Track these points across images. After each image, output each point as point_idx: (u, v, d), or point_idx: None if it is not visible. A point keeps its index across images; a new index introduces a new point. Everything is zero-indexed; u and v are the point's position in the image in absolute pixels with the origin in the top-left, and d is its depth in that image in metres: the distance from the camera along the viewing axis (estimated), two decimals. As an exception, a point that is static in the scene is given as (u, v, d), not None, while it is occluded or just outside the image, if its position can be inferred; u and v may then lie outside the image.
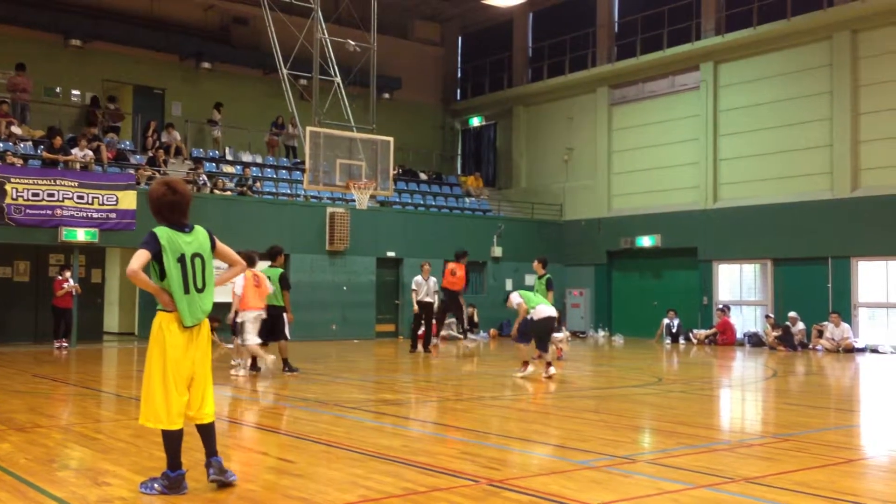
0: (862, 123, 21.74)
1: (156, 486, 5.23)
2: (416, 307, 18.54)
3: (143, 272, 5.21)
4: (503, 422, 9.15)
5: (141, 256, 5.15)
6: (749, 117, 23.95)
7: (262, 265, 14.14)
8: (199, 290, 5.33)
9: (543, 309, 12.95)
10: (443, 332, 23.94)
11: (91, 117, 23.55)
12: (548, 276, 15.74)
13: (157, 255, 5.21)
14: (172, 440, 5.26)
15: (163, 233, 5.26)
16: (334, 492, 5.41)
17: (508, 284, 26.30)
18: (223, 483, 5.37)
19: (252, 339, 12.87)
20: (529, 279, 24.58)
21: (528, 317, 12.95)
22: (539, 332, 12.97)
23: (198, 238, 5.40)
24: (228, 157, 25.48)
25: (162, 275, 5.25)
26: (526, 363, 13.22)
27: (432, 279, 18.56)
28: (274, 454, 6.94)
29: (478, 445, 7.22)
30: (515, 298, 13.14)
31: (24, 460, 6.33)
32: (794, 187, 22.78)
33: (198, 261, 5.35)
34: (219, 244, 5.55)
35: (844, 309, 21.23)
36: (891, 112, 21.17)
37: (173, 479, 5.22)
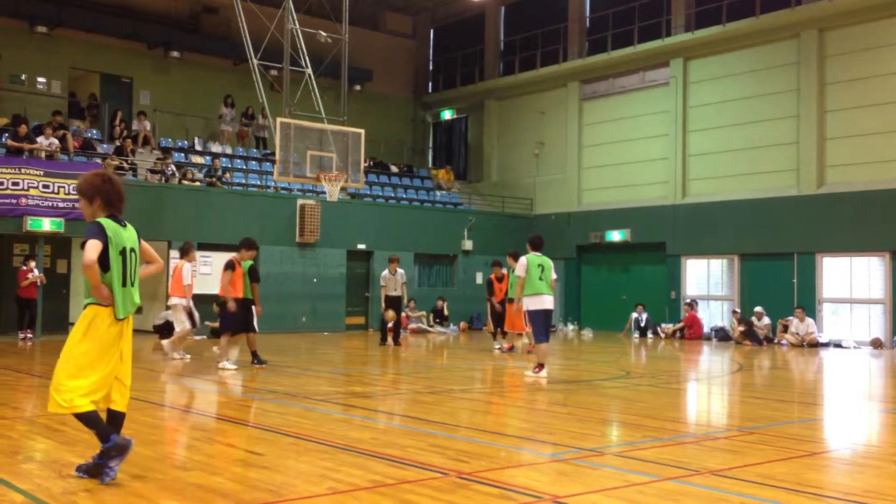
0: (828, 121, 22.04)
1: (111, 465, 5.16)
2: (384, 304, 18.37)
3: None
4: (472, 415, 9.18)
5: (97, 247, 5.10)
6: (717, 114, 24.18)
7: (195, 256, 14.39)
8: (133, 284, 5.36)
9: (543, 299, 12.15)
10: (412, 326, 24.02)
11: (90, 112, 23.79)
12: None
13: (104, 247, 5.17)
14: (95, 417, 5.21)
15: (108, 224, 5.23)
16: (303, 484, 5.40)
17: (479, 278, 26.36)
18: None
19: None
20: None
21: (526, 308, 12.30)
22: (545, 322, 12.31)
23: (131, 233, 5.43)
24: (197, 148, 25.26)
25: (105, 267, 5.19)
26: (542, 365, 12.30)
27: (400, 272, 18.53)
28: (242, 446, 6.91)
29: (447, 438, 7.23)
30: (520, 270, 12.19)
31: (-12, 453, 6.24)
32: (761, 184, 23.05)
33: (133, 255, 5.38)
34: (142, 242, 5.57)
35: (809, 304, 21.53)
36: (856, 110, 21.48)
37: (116, 445, 5.15)
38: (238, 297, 12.85)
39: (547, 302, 12.26)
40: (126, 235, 5.35)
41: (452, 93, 31.70)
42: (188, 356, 14.23)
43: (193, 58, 26.67)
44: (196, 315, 14.66)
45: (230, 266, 12.90)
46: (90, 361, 5.19)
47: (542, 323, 12.27)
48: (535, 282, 12.12)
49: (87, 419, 5.22)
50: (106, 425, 5.26)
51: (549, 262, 12.42)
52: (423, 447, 6.71)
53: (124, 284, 5.28)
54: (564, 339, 23.02)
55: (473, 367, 14.58)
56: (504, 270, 17.88)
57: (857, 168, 21.34)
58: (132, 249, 5.38)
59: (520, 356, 16.10)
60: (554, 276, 12.63)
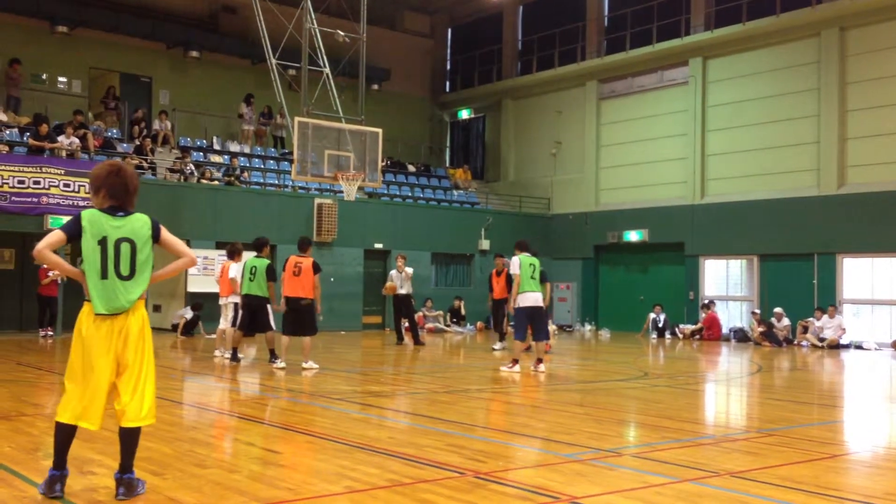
0: (849, 120, 21.85)
1: (42, 486, 4.91)
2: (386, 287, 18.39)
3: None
4: (489, 414, 9.17)
5: (52, 236, 4.83)
6: (737, 113, 24.03)
7: (243, 256, 14.35)
8: (124, 278, 4.91)
9: (529, 296, 12.73)
10: (429, 325, 23.99)
11: (104, 102, 23.92)
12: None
13: (78, 237, 4.89)
14: (63, 435, 4.91)
15: (87, 214, 4.94)
16: (320, 483, 5.41)
17: (496, 277, 26.29)
18: (130, 497, 4.93)
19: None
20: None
21: (515, 305, 12.82)
22: (528, 320, 12.75)
23: (131, 223, 5.00)
24: (216, 147, 25.38)
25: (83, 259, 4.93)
26: (516, 360, 13.03)
27: (408, 269, 18.52)
28: (260, 445, 6.93)
29: (464, 438, 7.22)
30: (514, 268, 12.74)
31: (9, 449, 6.29)
32: (780, 183, 22.89)
33: (125, 246, 4.94)
34: (165, 235, 5.14)
35: (829, 305, 21.34)
36: (877, 109, 21.29)
37: (48, 478, 4.88)
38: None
39: (532, 299, 12.74)
40: (115, 225, 4.93)
41: (470, 92, 31.68)
42: (227, 355, 14.09)
43: (212, 57, 26.79)
44: (240, 313, 14.58)
45: (319, 269, 12.98)
46: (78, 365, 4.88)
47: (525, 321, 12.78)
48: (525, 280, 12.72)
49: (60, 432, 4.90)
50: (64, 456, 4.90)
51: (538, 262, 13.12)
52: (440, 447, 6.71)
53: (105, 276, 4.86)
54: (582, 340, 22.95)
55: (490, 366, 14.55)
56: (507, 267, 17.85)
57: (879, 168, 21.14)
58: (125, 240, 4.94)
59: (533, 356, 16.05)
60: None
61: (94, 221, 4.92)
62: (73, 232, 4.89)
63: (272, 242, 15.42)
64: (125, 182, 5.02)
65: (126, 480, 4.94)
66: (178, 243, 5.26)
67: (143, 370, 4.98)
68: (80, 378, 4.88)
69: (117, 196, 5.02)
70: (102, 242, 4.90)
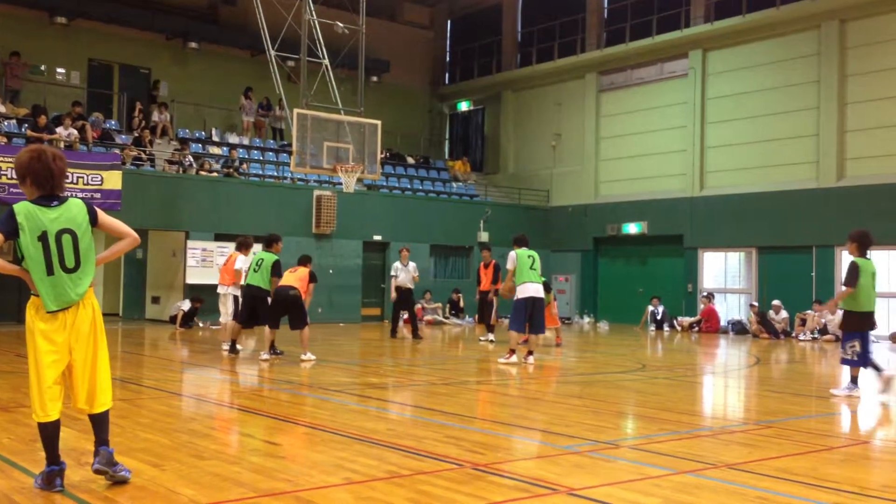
0: (848, 113, 21.84)
1: (56, 482, 4.86)
2: (394, 294, 18.32)
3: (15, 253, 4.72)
4: (488, 406, 9.19)
5: None
6: (736, 105, 24.02)
7: (251, 250, 14.33)
8: (70, 270, 4.78)
9: (529, 287, 12.66)
10: (428, 318, 24.00)
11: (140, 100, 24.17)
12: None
13: (15, 235, 4.69)
14: (46, 432, 4.82)
15: (21, 209, 4.70)
16: (319, 474, 5.42)
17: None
18: (110, 476, 4.92)
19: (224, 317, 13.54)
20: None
21: (513, 297, 12.80)
22: (527, 311, 12.71)
23: (69, 212, 4.82)
24: (215, 139, 25.35)
25: (24, 255, 4.76)
26: (512, 351, 13.09)
27: (412, 264, 18.49)
28: (259, 436, 6.94)
29: (462, 430, 7.24)
30: (511, 261, 12.76)
31: (8, 440, 6.30)
32: (779, 176, 22.89)
33: (67, 238, 4.77)
34: (102, 217, 5.00)
35: (827, 298, 21.32)
36: (877, 102, 21.28)
37: (46, 475, 4.84)
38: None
39: (532, 290, 12.69)
40: (52, 217, 4.75)
41: (469, 84, 31.65)
42: (226, 346, 14.04)
43: (211, 49, 26.75)
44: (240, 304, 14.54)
45: (315, 279, 13.41)
46: (34, 362, 4.78)
47: (522, 312, 12.72)
48: (524, 271, 12.70)
49: (41, 430, 4.83)
50: (55, 451, 4.83)
51: (537, 255, 13.10)
52: (438, 438, 6.72)
53: (51, 272, 4.71)
54: (580, 332, 22.98)
55: (489, 358, 14.57)
56: (494, 259, 18.09)
57: (878, 161, 21.15)
58: (65, 231, 4.78)
59: (544, 350, 16.08)
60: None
61: (30, 216, 4.71)
62: (10, 230, 4.69)
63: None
64: (48, 166, 4.78)
65: (103, 451, 4.91)
66: (118, 224, 5.12)
67: (98, 359, 4.93)
68: (37, 374, 4.79)
69: (42, 183, 4.79)
70: (43, 238, 4.72)
